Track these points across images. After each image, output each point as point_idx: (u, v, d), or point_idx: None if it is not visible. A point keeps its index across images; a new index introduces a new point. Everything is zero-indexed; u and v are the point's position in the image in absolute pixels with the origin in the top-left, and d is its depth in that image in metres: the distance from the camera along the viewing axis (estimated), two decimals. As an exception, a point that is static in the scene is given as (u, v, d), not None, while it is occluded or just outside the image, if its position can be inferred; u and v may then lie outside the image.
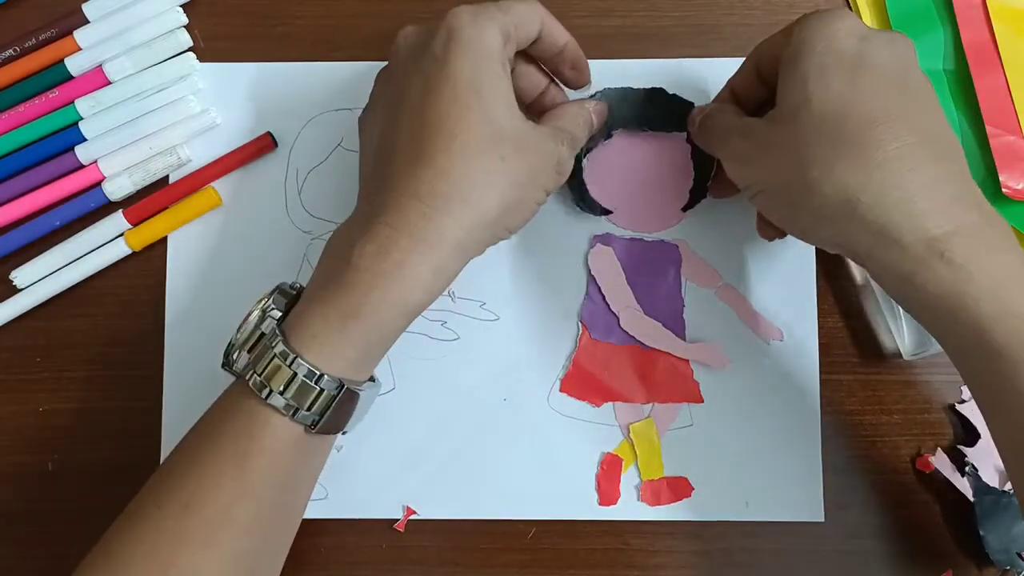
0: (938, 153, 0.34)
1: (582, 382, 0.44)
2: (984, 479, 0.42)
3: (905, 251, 0.32)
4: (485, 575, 0.43)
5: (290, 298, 0.37)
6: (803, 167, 0.34)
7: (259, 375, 0.34)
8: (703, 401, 0.44)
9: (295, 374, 0.34)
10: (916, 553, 0.43)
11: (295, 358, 0.34)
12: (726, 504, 0.43)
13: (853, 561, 0.43)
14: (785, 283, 0.44)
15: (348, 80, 0.46)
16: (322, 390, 0.34)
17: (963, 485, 0.42)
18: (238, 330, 0.36)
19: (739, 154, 0.38)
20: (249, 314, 0.36)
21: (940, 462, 0.43)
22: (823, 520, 0.43)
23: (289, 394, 0.34)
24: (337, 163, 0.45)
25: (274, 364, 0.34)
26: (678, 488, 0.43)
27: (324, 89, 0.46)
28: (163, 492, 0.35)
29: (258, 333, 0.35)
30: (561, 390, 0.44)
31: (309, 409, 0.34)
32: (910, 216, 0.32)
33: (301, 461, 0.36)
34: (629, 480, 0.43)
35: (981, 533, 0.41)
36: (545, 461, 0.44)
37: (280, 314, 0.36)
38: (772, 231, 0.40)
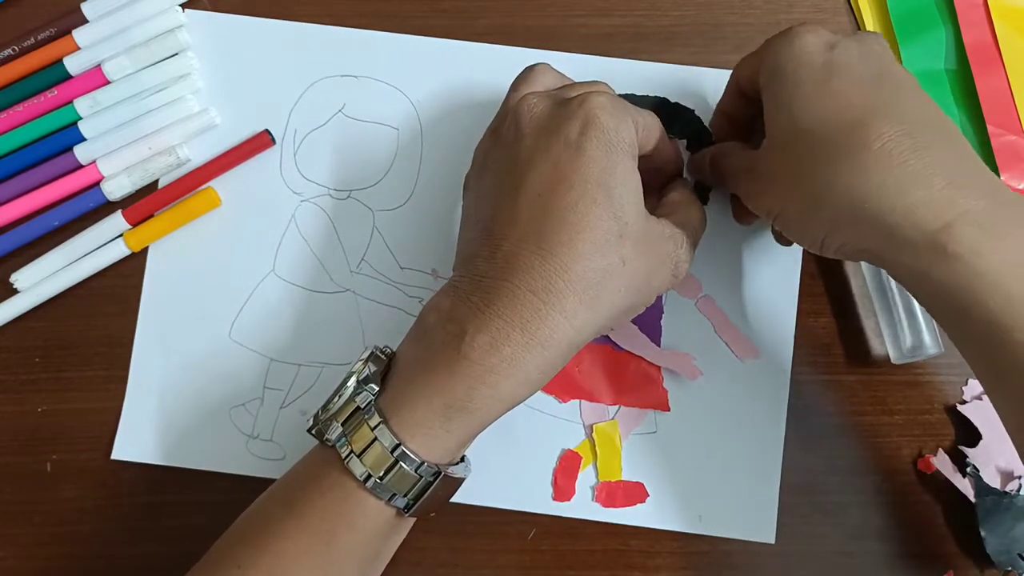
0: (926, 140, 0.33)
1: None
2: (985, 480, 0.42)
3: (914, 249, 0.32)
4: (485, 576, 0.43)
5: (382, 365, 0.36)
6: (806, 186, 0.34)
7: (357, 455, 0.34)
8: (670, 410, 0.43)
9: (397, 462, 0.33)
10: (917, 554, 0.43)
11: (399, 446, 0.33)
12: (679, 515, 0.43)
13: (854, 562, 0.43)
14: (766, 301, 0.44)
15: (354, 46, 0.46)
16: (420, 476, 0.34)
17: (964, 486, 0.42)
18: (334, 396, 0.35)
19: (751, 190, 0.38)
20: (345, 380, 0.35)
21: (941, 463, 0.43)
22: (773, 542, 0.43)
23: (388, 479, 0.33)
24: (337, 129, 0.45)
25: (376, 449, 0.33)
26: (633, 493, 0.43)
27: (329, 53, 0.46)
28: (242, 556, 0.34)
29: (353, 406, 0.35)
30: None
31: (405, 495, 0.34)
32: (909, 213, 0.32)
33: (387, 540, 0.36)
34: (586, 479, 0.43)
35: (982, 534, 0.41)
36: (504, 450, 0.43)
37: (377, 389, 0.35)
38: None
